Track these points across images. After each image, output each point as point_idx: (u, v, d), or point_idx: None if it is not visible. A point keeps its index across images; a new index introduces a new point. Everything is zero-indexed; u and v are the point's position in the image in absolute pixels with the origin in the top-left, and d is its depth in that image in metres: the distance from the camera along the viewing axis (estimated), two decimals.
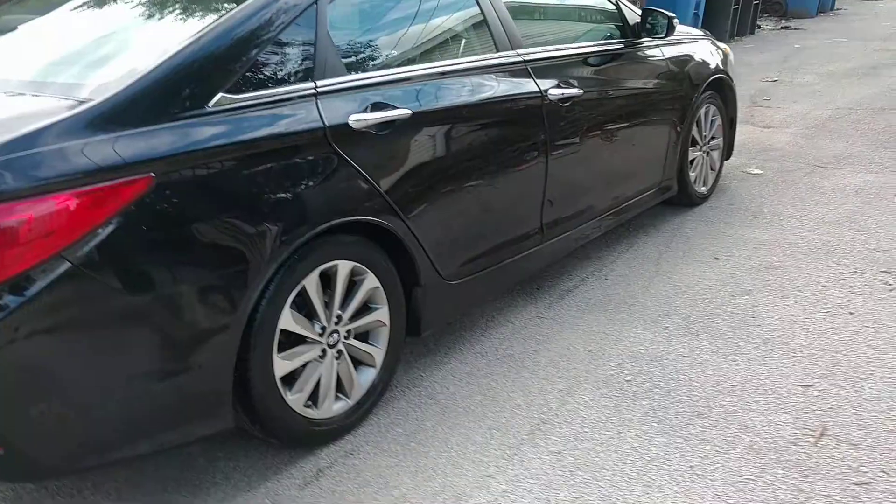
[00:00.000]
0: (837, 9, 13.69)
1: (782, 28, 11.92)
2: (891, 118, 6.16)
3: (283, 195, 2.19)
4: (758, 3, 11.29)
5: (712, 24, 10.20)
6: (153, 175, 1.92)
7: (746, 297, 3.32)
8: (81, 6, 2.88)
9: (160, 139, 1.97)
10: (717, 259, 3.71)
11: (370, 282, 2.49)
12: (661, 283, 3.49)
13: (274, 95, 2.24)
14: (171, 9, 2.64)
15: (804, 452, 2.32)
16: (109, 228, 1.86)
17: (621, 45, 3.69)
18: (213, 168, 2.06)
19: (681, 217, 4.28)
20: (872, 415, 2.48)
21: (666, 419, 2.51)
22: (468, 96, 2.79)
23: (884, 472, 2.22)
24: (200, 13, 2.50)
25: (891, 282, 3.37)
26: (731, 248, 3.82)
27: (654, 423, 2.50)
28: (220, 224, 2.06)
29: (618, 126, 3.58)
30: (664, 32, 3.70)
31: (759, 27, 11.72)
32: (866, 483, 2.18)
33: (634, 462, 2.32)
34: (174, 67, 2.08)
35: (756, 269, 3.58)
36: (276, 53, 2.31)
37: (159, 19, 2.56)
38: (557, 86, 3.12)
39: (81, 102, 1.97)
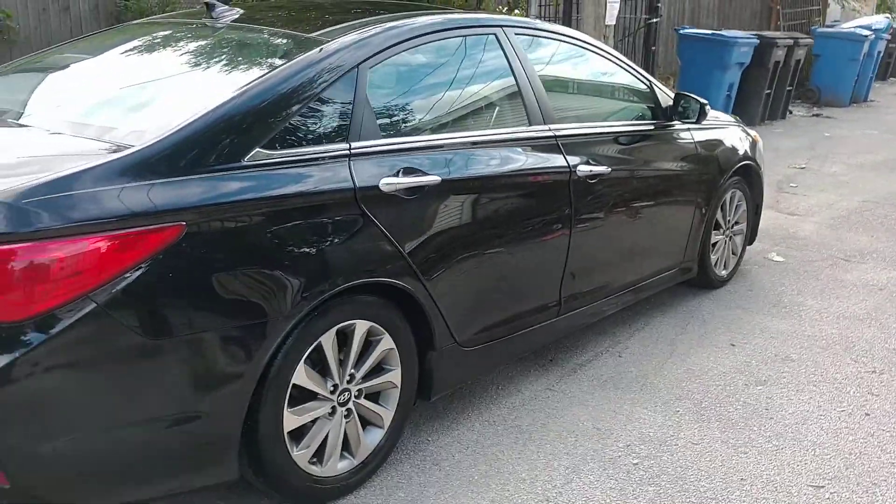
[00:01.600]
0: (871, 100, 13.73)
1: (814, 115, 11.96)
2: None
3: (308, 252, 2.23)
4: (790, 90, 11.35)
5: (744, 108, 10.27)
6: (185, 224, 1.97)
7: (761, 387, 3.28)
8: (129, 51, 2.99)
9: (194, 189, 2.03)
10: (732, 345, 3.69)
11: (386, 343, 2.50)
12: (674, 365, 3.47)
13: (309, 154, 2.30)
14: (216, 60, 2.73)
15: None
16: (137, 273, 1.90)
17: (652, 126, 3.74)
18: (243, 221, 2.10)
19: (699, 299, 4.26)
20: None
21: None
22: (498, 167, 2.84)
23: None
24: (244, 67, 2.59)
25: None
26: (747, 336, 3.80)
27: None
28: (244, 276, 2.10)
29: (642, 205, 3.61)
30: (696, 117, 3.75)
31: (791, 113, 11.78)
32: None
33: None
34: (214, 120, 2.14)
35: (772, 359, 3.55)
36: (315, 113, 2.38)
37: (204, 69, 2.64)
38: (586, 162, 3.16)
39: (121, 147, 2.04)
